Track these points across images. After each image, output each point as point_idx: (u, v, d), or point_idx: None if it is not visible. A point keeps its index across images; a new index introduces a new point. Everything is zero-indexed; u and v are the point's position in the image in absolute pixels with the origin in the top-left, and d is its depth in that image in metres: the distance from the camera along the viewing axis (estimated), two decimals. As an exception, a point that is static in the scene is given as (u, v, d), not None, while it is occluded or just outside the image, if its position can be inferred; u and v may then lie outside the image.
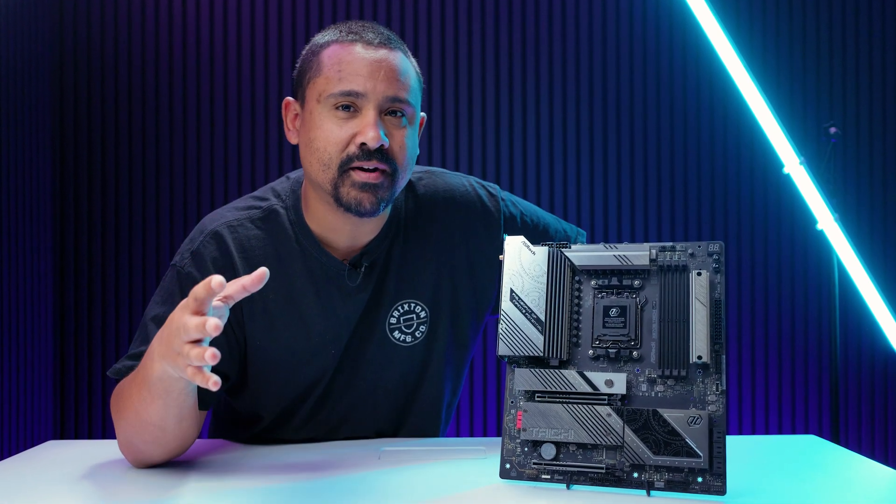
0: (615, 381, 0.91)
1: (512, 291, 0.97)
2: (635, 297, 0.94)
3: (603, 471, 0.90)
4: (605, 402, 0.91)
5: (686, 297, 0.91)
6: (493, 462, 0.99)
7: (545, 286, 0.96)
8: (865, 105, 2.74)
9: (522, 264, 0.98)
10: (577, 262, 0.96)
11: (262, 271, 0.89)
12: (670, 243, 0.94)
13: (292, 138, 1.19)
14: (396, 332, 1.22)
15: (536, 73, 2.71)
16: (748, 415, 2.71)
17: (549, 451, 0.92)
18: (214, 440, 1.25)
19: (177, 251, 1.19)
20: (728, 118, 2.71)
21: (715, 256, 0.92)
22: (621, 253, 0.95)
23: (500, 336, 0.95)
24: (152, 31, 2.65)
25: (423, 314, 1.23)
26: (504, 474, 0.94)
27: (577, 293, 0.96)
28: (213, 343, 0.89)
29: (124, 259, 2.64)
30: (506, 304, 0.96)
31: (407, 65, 1.14)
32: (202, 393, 1.08)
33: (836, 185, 2.47)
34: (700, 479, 0.86)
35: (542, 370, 0.93)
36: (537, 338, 0.94)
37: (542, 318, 0.95)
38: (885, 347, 2.56)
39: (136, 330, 2.61)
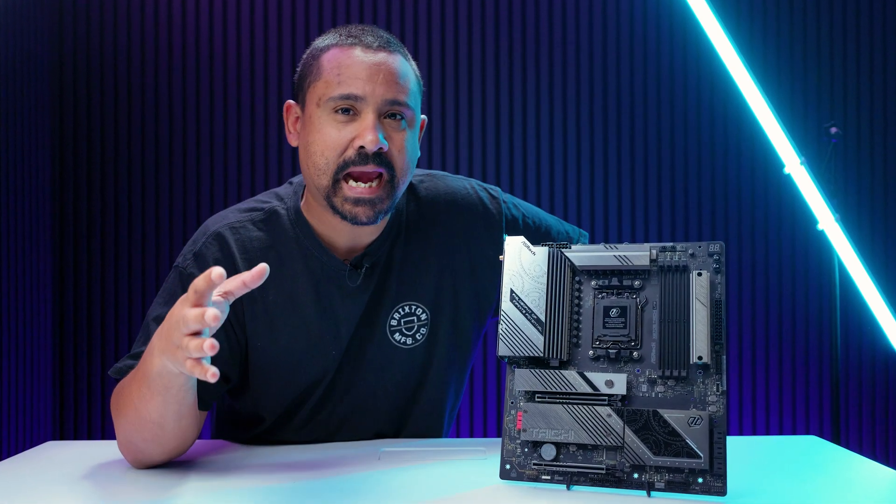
0: (615, 382, 0.91)
1: (512, 292, 0.97)
2: (636, 298, 0.94)
3: (603, 471, 0.90)
4: (606, 402, 0.91)
5: (686, 298, 0.91)
6: (494, 463, 0.99)
7: (545, 286, 0.96)
8: (866, 105, 2.74)
9: (522, 264, 0.97)
10: (577, 263, 0.96)
11: (263, 267, 0.89)
12: (671, 243, 0.94)
13: (293, 141, 1.19)
14: (397, 333, 1.22)
15: (536, 74, 2.71)
16: (748, 415, 2.70)
17: (549, 452, 0.92)
18: (215, 441, 1.25)
19: (179, 253, 1.20)
20: (729, 118, 2.71)
21: (715, 257, 0.92)
22: (622, 253, 0.95)
23: (500, 336, 0.95)
24: (152, 31, 2.65)
25: (423, 316, 1.23)
26: (504, 475, 0.94)
27: (577, 293, 0.96)
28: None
29: (123, 259, 2.63)
30: (506, 305, 0.96)
31: (406, 68, 1.15)
32: (202, 393, 1.08)
33: (836, 185, 2.47)
34: (700, 480, 0.86)
35: (542, 371, 0.93)
36: (537, 338, 0.94)
37: (543, 318, 0.94)
38: (886, 348, 2.55)
39: (135, 330, 2.62)
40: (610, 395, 0.91)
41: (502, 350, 0.95)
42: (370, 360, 1.22)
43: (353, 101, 1.10)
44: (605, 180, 2.72)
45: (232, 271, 1.14)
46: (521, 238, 0.99)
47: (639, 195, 2.72)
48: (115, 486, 0.98)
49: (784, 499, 0.88)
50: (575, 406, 0.91)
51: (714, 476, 0.86)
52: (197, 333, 0.86)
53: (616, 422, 0.89)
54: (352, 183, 1.10)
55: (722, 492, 0.85)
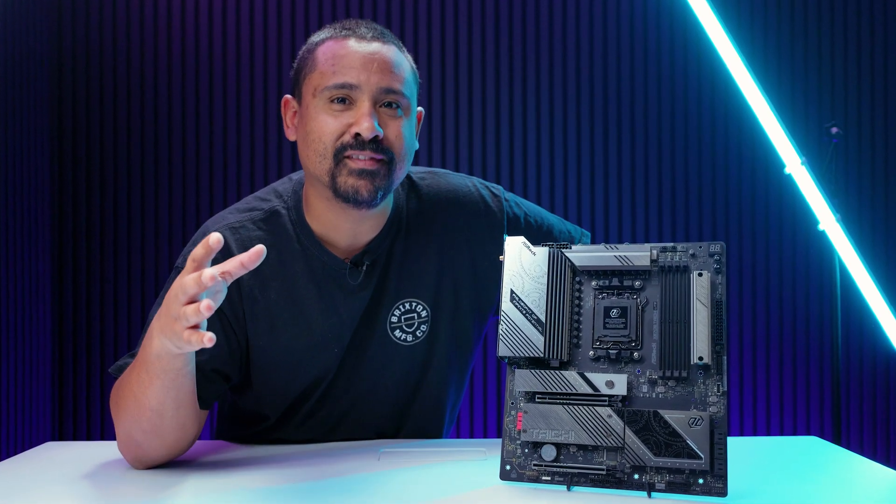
0: (616, 383, 0.91)
1: (512, 292, 0.96)
2: (636, 298, 0.94)
3: (603, 472, 0.89)
4: (606, 403, 0.91)
5: (687, 298, 0.91)
6: (494, 463, 0.99)
7: (545, 287, 0.96)
8: (867, 105, 2.74)
9: (523, 265, 0.97)
10: (577, 263, 0.96)
11: (260, 248, 0.90)
12: (671, 244, 0.94)
13: (291, 135, 1.20)
14: (397, 330, 1.22)
15: (537, 74, 2.71)
16: (749, 416, 2.70)
17: (549, 453, 0.91)
18: (215, 441, 1.25)
19: (179, 253, 1.20)
20: (729, 118, 2.71)
21: (716, 257, 0.92)
22: (622, 253, 0.94)
23: (501, 337, 0.95)
24: (151, 30, 2.65)
25: (424, 313, 1.23)
26: (504, 476, 0.94)
27: (577, 294, 0.96)
28: (214, 345, 0.89)
29: (123, 259, 2.63)
30: (506, 305, 0.96)
31: (401, 58, 1.16)
32: (203, 392, 1.09)
33: (837, 185, 2.47)
34: (701, 481, 0.86)
35: (542, 371, 0.93)
36: (538, 339, 0.94)
37: (543, 318, 0.94)
38: (887, 348, 2.55)
39: (134, 330, 2.62)
40: (610, 396, 0.91)
41: (502, 350, 0.95)
42: (371, 357, 1.22)
43: (349, 91, 1.11)
44: (605, 180, 2.71)
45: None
46: (522, 238, 0.99)
47: (639, 195, 2.71)
48: (115, 486, 0.98)
49: (785, 499, 0.88)
50: (575, 407, 0.91)
51: (715, 477, 0.86)
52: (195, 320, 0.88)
53: (616, 422, 0.89)
54: (354, 157, 1.11)
55: (723, 492, 0.85)
